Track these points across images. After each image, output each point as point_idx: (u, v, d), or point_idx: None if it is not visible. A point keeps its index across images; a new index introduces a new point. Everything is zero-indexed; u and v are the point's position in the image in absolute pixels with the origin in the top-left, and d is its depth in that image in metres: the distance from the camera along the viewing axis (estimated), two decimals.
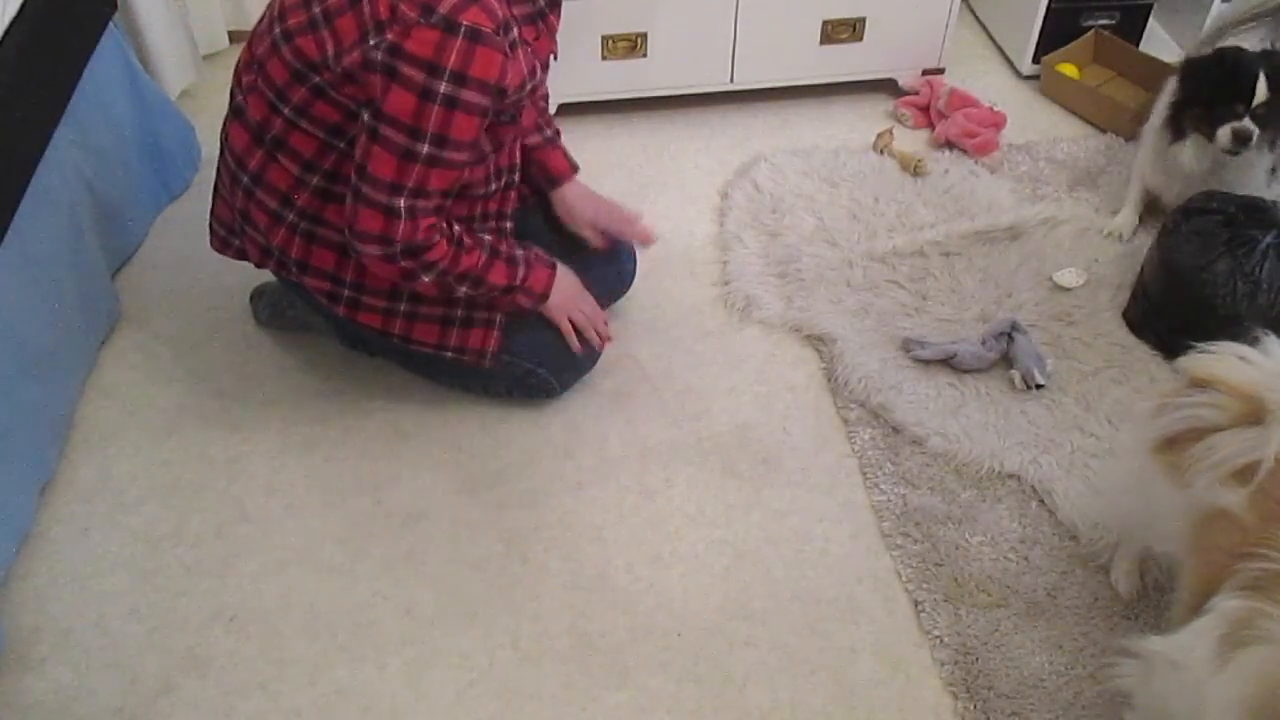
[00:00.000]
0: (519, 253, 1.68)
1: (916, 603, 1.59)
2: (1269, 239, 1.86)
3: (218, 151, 1.71)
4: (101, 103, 2.00)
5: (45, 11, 1.79)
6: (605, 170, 2.39)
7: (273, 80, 1.52)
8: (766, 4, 2.39)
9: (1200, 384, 1.30)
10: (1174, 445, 1.31)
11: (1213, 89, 2.01)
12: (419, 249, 1.54)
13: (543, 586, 1.62)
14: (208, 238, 1.80)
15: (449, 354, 1.73)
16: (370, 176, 1.47)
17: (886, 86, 2.64)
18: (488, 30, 1.39)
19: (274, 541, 1.67)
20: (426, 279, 1.58)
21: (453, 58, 1.38)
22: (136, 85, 2.14)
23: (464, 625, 1.57)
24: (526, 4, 1.53)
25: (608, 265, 1.95)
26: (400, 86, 1.40)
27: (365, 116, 1.45)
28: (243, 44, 2.72)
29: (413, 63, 1.38)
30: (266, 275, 2.03)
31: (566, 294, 1.76)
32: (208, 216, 1.79)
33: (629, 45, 2.41)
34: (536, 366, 1.80)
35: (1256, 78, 1.96)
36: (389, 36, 1.39)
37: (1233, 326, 1.83)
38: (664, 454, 1.81)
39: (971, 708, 1.47)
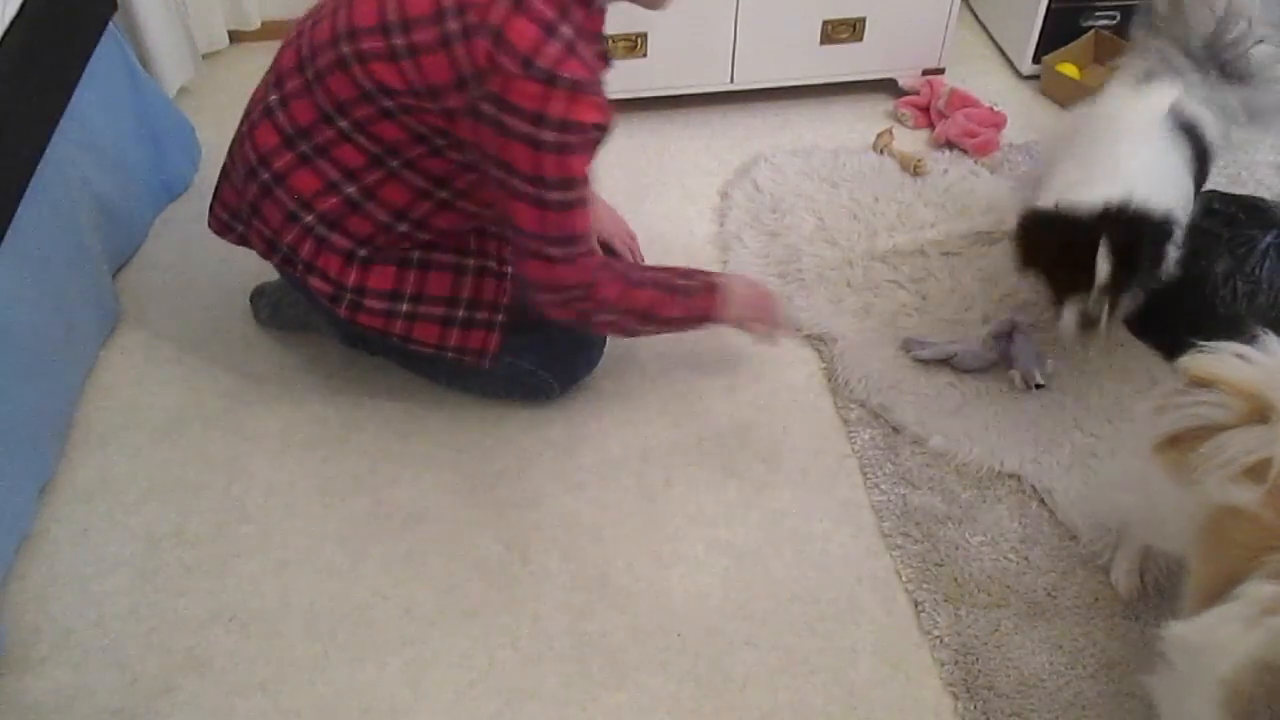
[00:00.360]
0: (680, 282, 1.70)
1: (916, 603, 1.59)
2: (1269, 239, 1.86)
3: (231, 140, 1.69)
4: (101, 103, 2.00)
5: (45, 11, 1.79)
6: (605, 170, 2.38)
7: (334, 93, 1.51)
8: (766, 4, 2.39)
9: (1202, 383, 1.30)
10: (1177, 444, 1.31)
11: (1051, 262, 1.73)
12: (587, 288, 1.57)
13: (543, 586, 1.62)
14: (207, 218, 1.78)
15: (449, 354, 1.74)
16: (519, 230, 1.52)
17: (886, 86, 2.64)
18: (586, 79, 1.42)
19: (274, 541, 1.67)
20: (604, 319, 1.63)
21: (556, 107, 1.40)
22: (136, 85, 2.14)
23: (464, 625, 1.57)
24: (597, 42, 1.56)
25: None
26: (512, 140, 1.43)
27: (492, 172, 1.49)
28: (243, 44, 2.70)
29: (518, 114, 1.41)
30: (267, 274, 2.04)
31: (739, 304, 1.76)
32: (209, 200, 1.77)
33: (629, 45, 2.41)
34: (537, 368, 1.80)
35: (1096, 253, 1.64)
36: (491, 88, 1.40)
37: (1233, 326, 1.84)
38: (664, 454, 1.81)
39: (971, 708, 1.47)
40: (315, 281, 1.67)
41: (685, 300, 1.69)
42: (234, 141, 1.69)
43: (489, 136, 1.44)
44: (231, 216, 1.74)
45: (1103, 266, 1.64)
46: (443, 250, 1.69)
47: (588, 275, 1.56)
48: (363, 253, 1.65)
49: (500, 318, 1.74)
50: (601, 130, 1.48)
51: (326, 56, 1.52)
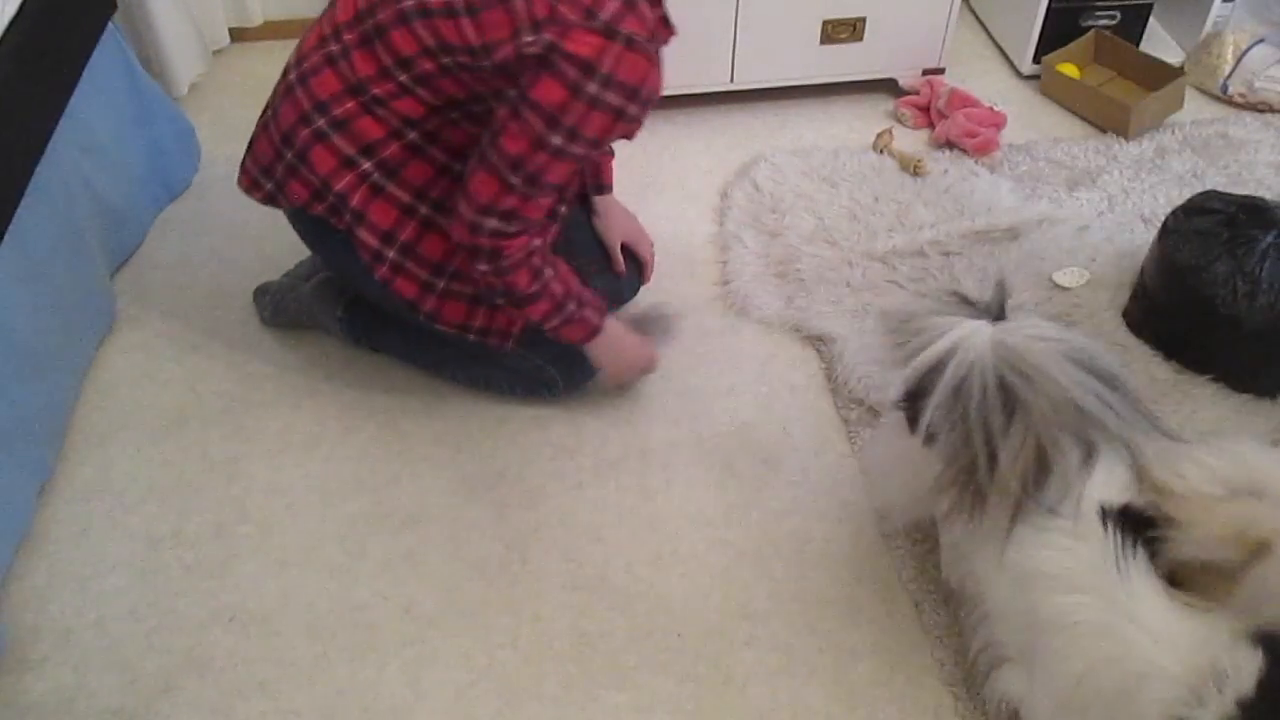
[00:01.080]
0: (571, 307, 1.65)
1: (916, 603, 1.59)
2: (1269, 239, 1.86)
3: (272, 93, 1.66)
4: (101, 103, 2.00)
5: (45, 11, 1.79)
6: None
7: (396, 48, 1.52)
8: (766, 4, 2.39)
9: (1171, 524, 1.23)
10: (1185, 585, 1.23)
11: None
12: (510, 234, 1.54)
13: (543, 586, 1.62)
14: (237, 175, 1.74)
15: (472, 335, 1.72)
16: (500, 149, 1.49)
17: (886, 86, 2.64)
18: (641, 38, 1.43)
19: (274, 541, 1.67)
20: (486, 268, 1.58)
21: (607, 61, 1.42)
22: (136, 85, 2.14)
23: (464, 625, 1.57)
24: (660, 6, 1.54)
25: (616, 277, 1.96)
26: (552, 78, 1.43)
27: (511, 94, 1.47)
28: (245, 42, 2.69)
29: (570, 60, 1.41)
30: (268, 273, 2.04)
31: (605, 357, 1.77)
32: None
33: None
34: (546, 363, 1.80)
35: None
36: (546, 35, 1.41)
37: (1233, 327, 1.84)
38: (664, 454, 1.81)
39: (971, 708, 1.47)
40: (363, 233, 1.63)
41: (565, 323, 1.66)
42: (278, 93, 1.66)
43: (529, 75, 1.44)
44: (262, 172, 1.68)
45: None
46: None
47: (528, 213, 1.53)
48: (423, 210, 1.63)
49: None
50: (638, 101, 1.47)
51: (388, 11, 1.51)
